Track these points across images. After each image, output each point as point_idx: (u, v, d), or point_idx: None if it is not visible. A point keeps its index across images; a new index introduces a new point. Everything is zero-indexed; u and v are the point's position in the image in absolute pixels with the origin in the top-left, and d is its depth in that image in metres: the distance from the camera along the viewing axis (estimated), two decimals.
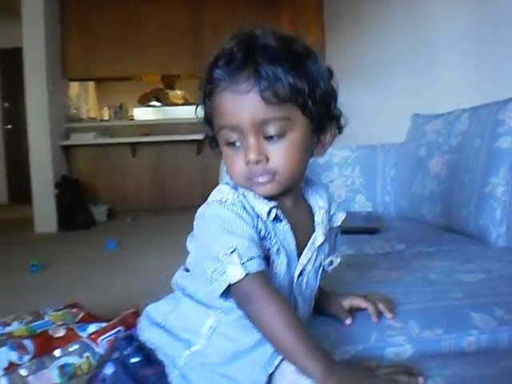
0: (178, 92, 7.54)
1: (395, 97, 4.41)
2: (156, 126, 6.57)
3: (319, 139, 1.01)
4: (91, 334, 2.17)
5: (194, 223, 1.01)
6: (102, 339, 2.15)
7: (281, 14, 6.84)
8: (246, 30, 0.96)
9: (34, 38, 5.87)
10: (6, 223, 6.70)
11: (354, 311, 1.12)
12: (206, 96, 0.98)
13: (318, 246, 1.03)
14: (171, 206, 6.59)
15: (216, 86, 0.95)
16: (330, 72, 1.00)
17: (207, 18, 6.92)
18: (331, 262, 1.07)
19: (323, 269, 1.07)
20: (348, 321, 1.09)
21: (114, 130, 6.78)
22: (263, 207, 0.96)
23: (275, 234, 0.98)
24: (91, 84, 8.30)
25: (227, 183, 1.01)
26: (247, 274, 0.89)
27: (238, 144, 0.95)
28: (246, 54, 0.91)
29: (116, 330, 2.21)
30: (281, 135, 0.93)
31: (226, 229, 0.92)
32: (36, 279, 3.73)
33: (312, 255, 1.03)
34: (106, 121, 7.21)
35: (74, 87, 7.34)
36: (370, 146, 2.71)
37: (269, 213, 0.96)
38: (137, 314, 2.36)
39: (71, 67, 6.71)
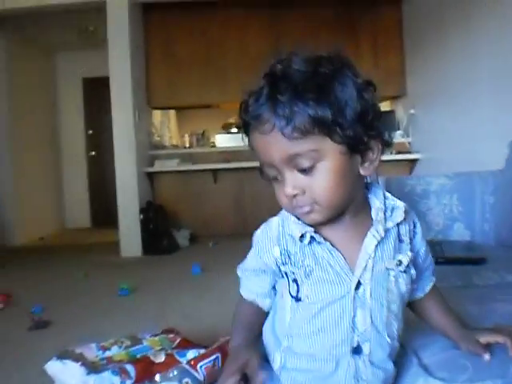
0: None
1: (486, 121, 4.31)
2: (237, 152, 6.63)
3: (365, 157, 1.00)
4: (190, 360, 2.19)
5: None
6: (201, 365, 2.16)
7: (360, 39, 6.85)
8: (273, 61, 1.03)
9: (120, 68, 6.04)
10: (92, 247, 6.88)
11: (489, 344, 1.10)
12: (245, 135, 1.04)
13: (376, 251, 1.03)
14: (252, 231, 6.58)
15: (247, 127, 1.01)
16: (369, 84, 0.99)
17: (288, 45, 6.95)
18: (399, 262, 1.06)
19: (400, 271, 1.06)
20: (487, 356, 1.06)
21: (196, 157, 6.89)
22: (296, 232, 1.04)
23: (311, 255, 1.03)
24: (172, 112, 8.50)
25: None
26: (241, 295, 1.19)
27: (278, 178, 1.00)
28: (270, 91, 0.96)
29: (214, 356, 2.22)
30: (312, 167, 0.96)
31: (253, 250, 1.16)
32: (126, 303, 3.80)
33: (367, 263, 1.02)
34: (189, 148, 7.34)
35: (157, 115, 7.52)
36: (467, 173, 2.66)
37: (302, 236, 1.03)
38: None
39: (155, 96, 6.88)
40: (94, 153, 9.28)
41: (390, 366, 1.08)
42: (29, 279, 4.91)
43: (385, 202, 1.07)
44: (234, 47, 6.95)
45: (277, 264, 1.07)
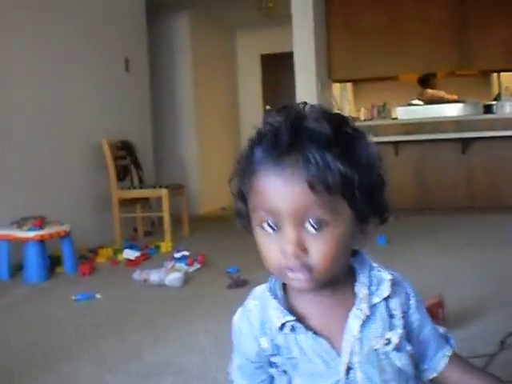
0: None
1: None
2: (419, 124, 6.51)
3: (363, 229, 0.90)
4: None
5: None
6: None
7: None
8: (294, 107, 0.90)
9: (303, 42, 6.21)
10: None
11: None
12: (245, 175, 0.90)
13: (362, 331, 0.92)
14: (434, 206, 6.51)
15: (257, 169, 0.86)
16: (380, 158, 0.90)
17: (474, 14, 6.72)
18: (388, 341, 0.94)
19: (389, 351, 0.94)
20: None
21: (376, 129, 6.85)
22: (275, 321, 0.93)
23: (296, 345, 0.93)
24: (349, 85, 8.50)
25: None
26: None
27: (274, 228, 0.86)
28: (294, 135, 0.83)
29: None
30: (324, 228, 0.83)
31: (235, 344, 1.01)
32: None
33: (353, 347, 0.92)
34: (370, 120, 7.32)
35: (336, 88, 7.56)
36: None
37: (282, 326, 0.92)
38: (441, 304, 2.36)
39: (336, 68, 6.96)
40: None
41: None
42: (219, 244, 5.19)
43: (370, 275, 0.96)
44: (414, 16, 6.84)
45: (266, 355, 0.96)
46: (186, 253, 4.28)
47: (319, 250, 0.84)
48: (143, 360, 2.38)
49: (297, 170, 0.81)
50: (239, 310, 1.01)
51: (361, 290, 0.94)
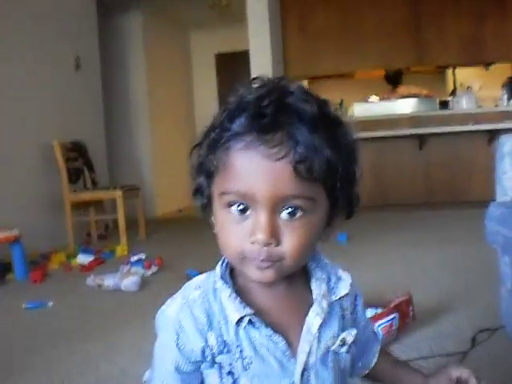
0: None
1: None
2: (376, 121, 6.49)
3: (331, 223, 0.84)
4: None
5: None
6: (379, 325, 2.09)
7: (508, 7, 6.52)
8: (274, 80, 0.79)
9: (259, 41, 6.19)
10: None
11: None
12: (216, 148, 0.77)
13: (320, 330, 0.85)
14: (392, 202, 6.46)
15: (235, 141, 0.75)
16: (358, 147, 0.84)
17: (428, 11, 6.80)
18: (343, 342, 0.88)
19: (342, 352, 0.89)
20: None
21: None
22: (232, 314, 0.81)
23: (249, 343, 0.82)
24: (305, 82, 8.46)
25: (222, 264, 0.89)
26: None
27: (246, 213, 0.77)
28: (280, 110, 0.73)
29: (392, 316, 2.14)
30: (300, 216, 0.76)
31: (169, 343, 0.85)
32: None
33: (311, 346, 0.85)
34: None
35: None
36: None
37: (239, 321, 0.81)
38: (410, 302, 2.29)
39: (292, 66, 6.94)
40: None
41: None
42: (176, 246, 5.06)
43: (328, 271, 0.91)
44: (370, 14, 6.83)
45: (211, 353, 0.83)
46: (142, 256, 4.13)
47: (292, 239, 0.76)
48: (98, 370, 2.24)
49: (283, 150, 0.72)
50: (176, 302, 0.86)
51: (320, 286, 0.88)
